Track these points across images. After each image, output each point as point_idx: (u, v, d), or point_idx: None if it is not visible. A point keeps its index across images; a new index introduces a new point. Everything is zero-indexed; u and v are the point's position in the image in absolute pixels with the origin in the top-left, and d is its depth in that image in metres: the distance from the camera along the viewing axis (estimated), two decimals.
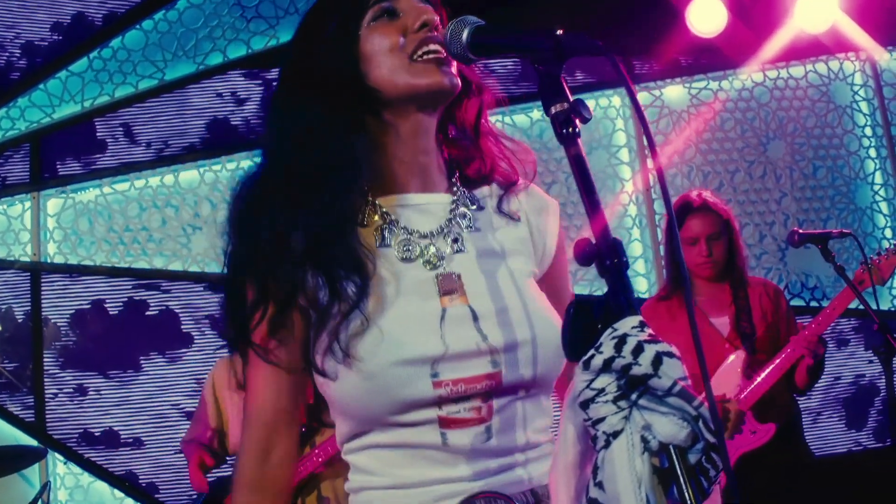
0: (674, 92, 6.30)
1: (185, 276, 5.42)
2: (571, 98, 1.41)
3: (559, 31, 1.44)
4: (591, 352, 1.25)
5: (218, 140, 5.57)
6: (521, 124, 5.90)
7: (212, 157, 5.55)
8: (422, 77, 1.60)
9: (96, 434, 5.24)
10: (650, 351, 1.24)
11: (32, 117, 5.44)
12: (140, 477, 5.25)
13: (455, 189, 1.70)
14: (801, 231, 4.25)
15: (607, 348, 1.24)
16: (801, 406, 4.45)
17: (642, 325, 1.26)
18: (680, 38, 5.94)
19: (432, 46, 1.60)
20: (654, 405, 1.24)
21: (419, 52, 1.60)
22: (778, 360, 4.12)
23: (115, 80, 5.51)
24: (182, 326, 5.40)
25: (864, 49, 6.36)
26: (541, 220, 1.75)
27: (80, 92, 5.49)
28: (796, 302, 6.11)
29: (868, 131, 6.49)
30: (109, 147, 5.52)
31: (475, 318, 1.56)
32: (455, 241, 1.62)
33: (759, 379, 4.10)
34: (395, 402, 1.51)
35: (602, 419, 1.24)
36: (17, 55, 5.43)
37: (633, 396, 1.24)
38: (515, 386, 1.56)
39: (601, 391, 1.24)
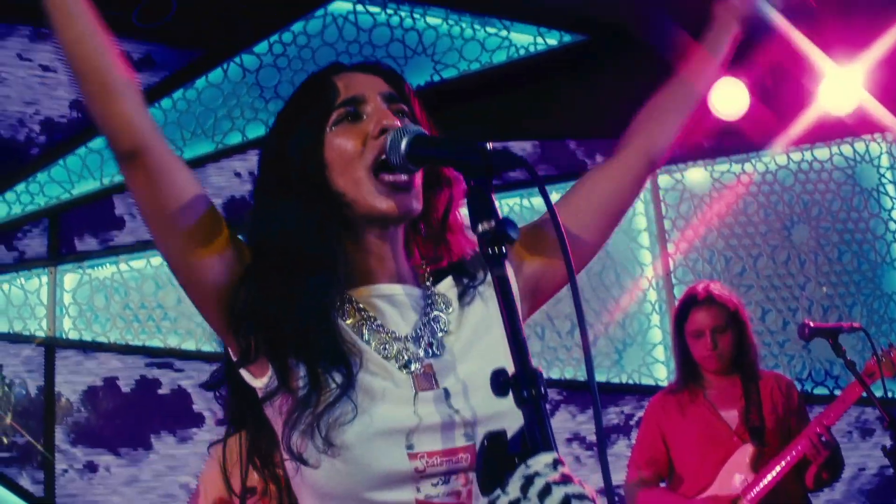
0: (696, 175, 6.40)
1: (198, 356, 5.49)
2: (500, 216, 1.45)
3: (488, 145, 1.49)
4: (497, 491, 1.27)
5: (235, 219, 5.64)
6: (538, 207, 5.99)
7: None
8: (379, 201, 1.66)
9: None
10: (558, 493, 1.25)
11: (52, 193, 5.57)
12: None
13: (426, 286, 1.76)
14: (811, 325, 4.25)
15: (513, 489, 1.25)
16: (823, 498, 4.46)
17: (556, 464, 1.27)
18: (702, 121, 6.03)
19: (382, 158, 1.66)
20: None
21: (375, 164, 1.67)
22: (787, 455, 4.15)
23: None
24: (194, 406, 5.47)
25: (890, 130, 6.42)
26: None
27: (100, 168, 5.61)
28: (819, 390, 6.15)
29: (895, 214, 6.53)
30: (127, 224, 5.63)
31: (447, 396, 1.61)
32: (430, 345, 1.67)
33: (768, 475, 4.13)
34: (371, 477, 1.55)
35: None
36: (37, 131, 5.58)
37: None
38: None
39: None
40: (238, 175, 5.78)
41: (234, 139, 5.77)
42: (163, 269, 5.55)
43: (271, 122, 5.42)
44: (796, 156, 6.48)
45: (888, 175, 6.57)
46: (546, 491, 1.24)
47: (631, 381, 6.01)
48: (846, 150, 6.55)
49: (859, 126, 6.30)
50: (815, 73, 5.96)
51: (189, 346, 5.53)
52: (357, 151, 1.67)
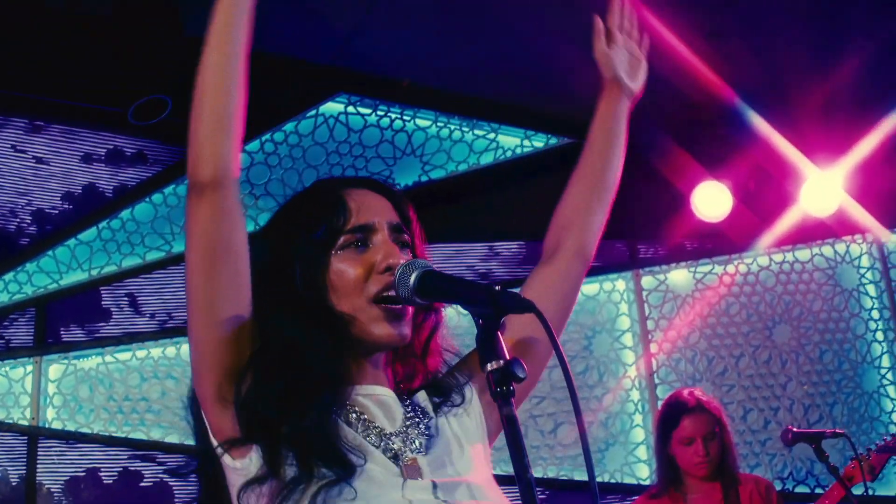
0: (679, 276, 6.55)
1: (181, 449, 5.54)
2: (508, 356, 1.56)
3: (497, 288, 1.61)
4: None
5: None
6: None
7: None
8: (377, 328, 1.76)
9: None
10: None
11: (40, 282, 5.66)
12: None
13: (403, 398, 1.85)
14: (794, 430, 4.37)
15: None
16: None
17: None
18: (685, 223, 6.21)
19: (388, 294, 1.76)
20: None
21: (377, 297, 1.77)
22: None
23: (123, 251, 5.77)
24: (175, 500, 5.52)
25: (870, 231, 6.60)
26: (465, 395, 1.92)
27: (88, 260, 5.72)
28: (801, 489, 6.24)
29: (875, 314, 6.68)
30: (114, 316, 5.74)
31: (434, 488, 1.70)
32: (413, 444, 1.76)
33: None
34: None
35: None
36: (28, 221, 5.68)
37: None
38: None
39: None
40: None
41: None
42: (148, 361, 5.67)
43: (260, 218, 5.60)
44: (778, 257, 6.64)
45: (868, 275, 6.73)
46: None
47: (613, 481, 6.09)
48: (827, 251, 6.71)
49: (840, 227, 6.51)
50: (796, 175, 6.16)
51: (173, 439, 5.59)
52: (360, 280, 1.77)
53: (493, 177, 6.29)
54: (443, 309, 1.91)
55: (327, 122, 6.12)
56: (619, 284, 6.49)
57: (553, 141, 6.34)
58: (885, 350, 6.61)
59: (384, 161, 6.17)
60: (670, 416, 4.47)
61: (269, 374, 1.71)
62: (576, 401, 1.55)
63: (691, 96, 5.68)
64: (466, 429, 1.87)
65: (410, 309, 1.81)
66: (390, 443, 1.75)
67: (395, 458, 1.73)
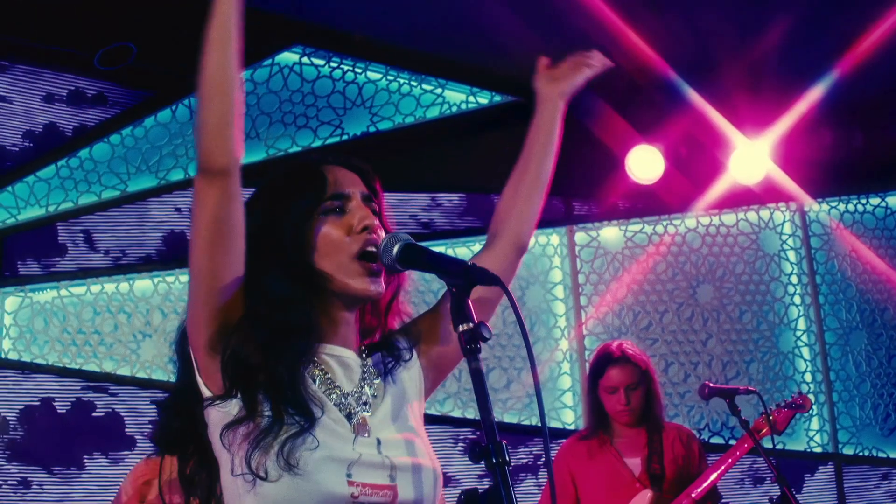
0: (610, 233, 7.03)
1: (132, 381, 5.91)
2: (476, 319, 1.90)
3: (470, 263, 1.98)
4: None
5: (174, 253, 6.14)
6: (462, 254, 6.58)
7: (167, 269, 6.11)
8: (356, 282, 2.09)
9: None
10: None
11: None
12: None
13: (363, 357, 2.22)
14: (711, 385, 4.81)
15: None
16: None
17: None
18: (619, 184, 6.66)
19: (370, 249, 2.08)
20: None
21: (359, 254, 2.14)
22: (682, 500, 4.78)
23: (80, 189, 6.05)
24: (126, 430, 5.86)
25: (793, 199, 7.12)
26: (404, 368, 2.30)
27: (46, 197, 6.00)
28: (716, 440, 6.76)
29: (794, 279, 7.21)
30: (69, 252, 6.03)
31: (378, 443, 2.09)
32: (364, 403, 2.14)
33: None
34: (318, 493, 1.93)
35: None
36: None
37: None
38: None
39: None
40: (178, 210, 6.22)
41: (177, 176, 6.21)
42: (102, 296, 6.00)
43: None
44: (705, 220, 7.15)
45: (790, 242, 7.25)
46: None
47: (540, 424, 6.53)
48: (752, 216, 7.24)
49: (765, 195, 7.00)
50: (725, 144, 6.65)
51: (124, 371, 5.93)
52: (343, 240, 2.09)
53: (438, 130, 6.68)
54: (405, 276, 2.25)
55: (282, 71, 6.44)
56: (553, 239, 6.96)
57: (497, 98, 6.73)
58: (801, 313, 7.17)
59: (335, 111, 6.52)
60: (598, 366, 4.91)
61: (254, 328, 2.01)
62: (531, 356, 1.91)
63: (627, 66, 6.07)
64: (407, 387, 2.21)
65: (383, 270, 2.12)
66: (345, 401, 2.08)
67: (349, 416, 2.06)
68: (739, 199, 7.03)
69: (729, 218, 7.21)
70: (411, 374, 2.25)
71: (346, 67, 6.58)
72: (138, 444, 5.87)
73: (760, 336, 7.10)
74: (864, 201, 7.42)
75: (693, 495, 4.72)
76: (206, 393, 2.03)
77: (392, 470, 2.03)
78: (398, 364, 2.23)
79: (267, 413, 1.97)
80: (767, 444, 4.84)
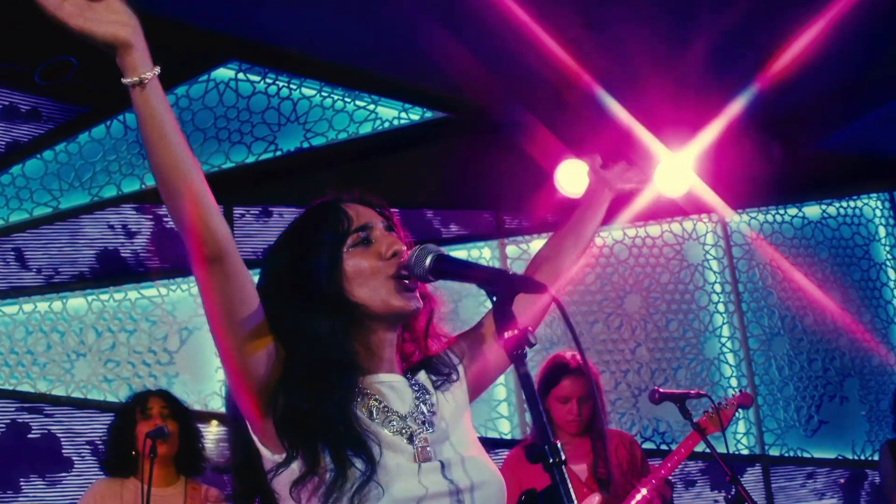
0: (540, 245, 7.14)
1: (67, 402, 5.89)
2: (523, 326, 1.92)
3: (511, 272, 2.03)
4: None
5: (107, 270, 6.16)
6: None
7: (100, 287, 6.12)
8: (396, 299, 2.12)
9: None
10: None
11: None
12: None
13: (407, 377, 2.22)
14: (661, 391, 4.87)
15: None
16: None
17: None
18: (548, 197, 6.79)
19: (403, 272, 2.12)
20: None
21: (394, 276, 2.12)
22: (631, 500, 4.94)
23: (11, 206, 6.04)
24: (63, 451, 5.84)
25: (715, 211, 7.35)
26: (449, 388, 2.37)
27: None
28: (647, 445, 6.98)
29: (717, 288, 7.51)
30: (0, 270, 6.00)
31: (443, 467, 2.05)
32: (424, 422, 2.18)
33: None
34: None
35: None
36: None
37: None
38: None
39: None
40: (111, 227, 6.24)
41: (110, 192, 6.23)
42: (34, 315, 5.99)
43: (147, 178, 5.98)
44: (631, 231, 7.40)
45: (713, 252, 7.54)
46: None
47: (478, 435, 6.69)
48: (676, 228, 7.51)
49: (688, 207, 7.22)
50: (649, 157, 6.85)
51: (59, 391, 5.91)
52: (375, 266, 2.13)
53: (371, 146, 6.77)
54: (437, 298, 2.32)
55: (218, 87, 6.49)
56: (485, 252, 7.11)
57: (428, 115, 6.85)
58: (725, 321, 7.46)
59: (269, 127, 6.59)
60: (552, 375, 4.95)
61: (300, 372, 2.03)
62: (585, 362, 2.04)
63: (556, 83, 6.27)
64: (458, 401, 2.26)
65: (419, 285, 2.17)
66: (405, 424, 2.10)
67: (411, 438, 2.08)
68: (663, 211, 7.27)
69: (654, 230, 7.47)
70: (460, 389, 2.31)
71: (281, 83, 6.66)
72: (75, 466, 5.86)
73: (687, 343, 7.35)
74: (782, 212, 7.74)
75: (654, 481, 4.85)
76: (267, 454, 2.07)
77: (458, 494, 2.06)
78: (448, 382, 2.29)
79: (329, 466, 1.99)
80: (721, 448, 4.93)
